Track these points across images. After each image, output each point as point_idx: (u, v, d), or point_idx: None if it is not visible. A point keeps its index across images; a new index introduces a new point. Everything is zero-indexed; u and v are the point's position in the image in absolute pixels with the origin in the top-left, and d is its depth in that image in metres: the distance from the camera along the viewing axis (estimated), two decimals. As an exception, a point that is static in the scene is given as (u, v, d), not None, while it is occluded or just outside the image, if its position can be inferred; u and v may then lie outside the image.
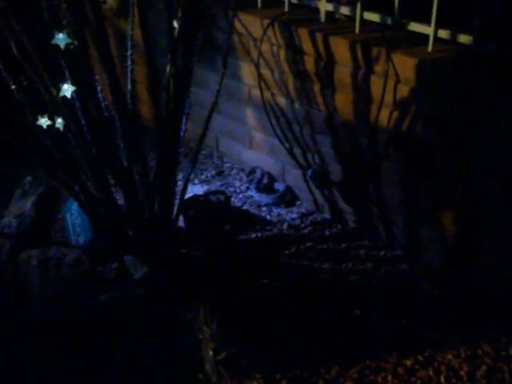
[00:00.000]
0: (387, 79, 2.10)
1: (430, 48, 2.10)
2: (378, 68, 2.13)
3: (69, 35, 1.78)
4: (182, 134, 2.09)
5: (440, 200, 2.16)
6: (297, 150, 2.56)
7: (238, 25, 2.54)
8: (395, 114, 2.15)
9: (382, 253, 2.41)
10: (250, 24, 2.48)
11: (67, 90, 1.86)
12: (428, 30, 2.10)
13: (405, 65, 2.05)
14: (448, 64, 2.01)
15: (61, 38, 1.78)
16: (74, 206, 2.36)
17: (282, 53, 2.42)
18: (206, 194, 2.47)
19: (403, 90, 2.10)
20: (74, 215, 2.42)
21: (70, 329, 2.02)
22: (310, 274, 2.33)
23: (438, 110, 2.07)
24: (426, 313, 2.15)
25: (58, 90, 1.86)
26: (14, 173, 2.70)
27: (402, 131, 2.14)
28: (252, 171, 2.74)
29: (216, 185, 2.77)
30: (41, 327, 2.04)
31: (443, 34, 2.10)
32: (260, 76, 2.49)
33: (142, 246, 2.16)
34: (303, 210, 2.63)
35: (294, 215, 2.59)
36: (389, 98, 2.14)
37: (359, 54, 2.17)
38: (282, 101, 2.52)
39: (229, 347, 1.87)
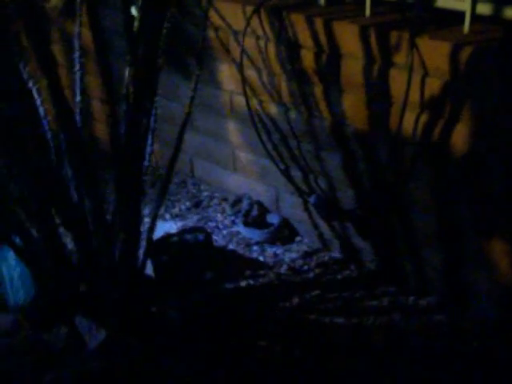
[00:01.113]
0: (412, 73, 1.89)
1: (466, 29, 1.88)
2: (399, 59, 1.92)
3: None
4: (147, 157, 1.94)
5: (489, 231, 1.96)
6: (295, 172, 2.38)
7: (214, 16, 2.35)
8: (424, 119, 1.96)
9: (412, 300, 2.18)
10: (229, 13, 2.31)
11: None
12: (463, 5, 1.89)
13: (435, 52, 1.85)
14: (495, 48, 1.77)
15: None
16: (11, 254, 2.15)
17: (272, 48, 2.23)
18: (181, 233, 2.29)
19: (433, 86, 1.89)
20: (11, 266, 2.22)
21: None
22: (319, 332, 2.09)
23: (483, 112, 1.84)
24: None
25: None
26: None
27: (433, 141, 1.95)
28: (238, 201, 2.58)
29: (193, 220, 2.59)
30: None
31: (483, 9, 1.87)
32: (244, 79, 2.31)
33: (98, 304, 1.97)
34: (305, 248, 2.44)
35: (294, 255, 2.40)
36: (414, 97, 1.93)
37: (373, 43, 1.96)
38: (273, 109, 2.34)
39: None
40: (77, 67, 1.89)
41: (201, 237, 2.26)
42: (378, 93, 2.02)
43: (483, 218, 1.96)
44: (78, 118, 1.86)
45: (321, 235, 2.41)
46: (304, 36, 2.11)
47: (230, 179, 2.66)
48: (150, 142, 1.96)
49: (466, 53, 1.81)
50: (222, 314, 2.12)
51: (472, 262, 2.03)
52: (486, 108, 1.83)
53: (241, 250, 2.43)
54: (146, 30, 1.73)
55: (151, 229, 2.05)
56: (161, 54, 1.81)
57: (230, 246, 2.45)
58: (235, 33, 2.32)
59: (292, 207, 2.45)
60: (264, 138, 2.38)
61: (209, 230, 2.43)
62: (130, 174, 1.87)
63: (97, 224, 1.89)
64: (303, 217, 2.43)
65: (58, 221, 1.87)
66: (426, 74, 1.90)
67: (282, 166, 2.40)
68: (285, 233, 2.46)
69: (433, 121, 1.94)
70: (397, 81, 1.96)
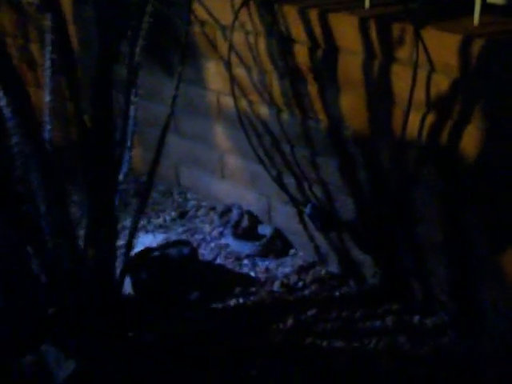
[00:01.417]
0: (417, 69, 1.82)
1: (476, 20, 1.79)
2: (403, 53, 1.85)
3: None
4: (126, 163, 1.87)
5: (504, 243, 1.90)
6: (288, 179, 2.30)
7: (199, 9, 2.27)
8: (430, 120, 1.88)
9: (418, 319, 2.10)
10: (215, 7, 2.24)
11: None
12: (472, -7, 1.79)
13: (442, 45, 1.77)
14: (509, 41, 1.69)
15: None
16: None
17: (262, 43, 2.16)
18: (164, 247, 2.23)
19: (441, 83, 1.81)
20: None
21: None
22: (316, 358, 1.99)
23: (496, 111, 1.77)
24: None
25: None
26: None
27: (441, 145, 1.88)
28: (226, 210, 2.52)
29: (177, 232, 2.52)
30: None
31: (496, -3, 1.76)
32: (233, 78, 2.26)
33: (67, 330, 1.88)
34: (300, 262, 2.36)
35: (288, 269, 2.32)
36: (420, 95, 1.85)
37: (373, 36, 1.88)
38: (264, 111, 2.28)
39: None
40: (46, 64, 1.80)
41: (186, 251, 2.22)
42: (379, 91, 1.96)
43: (497, 229, 1.89)
44: (47, 119, 1.80)
45: (317, 248, 2.34)
46: (297, 30, 2.04)
47: (219, 187, 2.60)
48: (128, 145, 1.89)
49: (477, 46, 1.71)
50: (209, 337, 2.04)
51: (486, 276, 1.96)
52: (499, 107, 1.76)
53: (230, 264, 2.36)
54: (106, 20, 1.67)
55: (129, 243, 1.99)
56: (140, 50, 1.76)
57: (218, 261, 2.38)
58: (223, 27, 2.25)
59: (285, 217, 2.39)
60: (254, 142, 2.33)
61: (195, 243, 2.40)
62: (104, 182, 1.79)
63: (64, 238, 1.80)
64: (298, 228, 2.36)
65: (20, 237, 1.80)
66: (432, 70, 1.82)
67: (275, 173, 2.34)
68: (278, 245, 2.41)
69: (440, 122, 1.87)
70: (400, 78, 1.89)
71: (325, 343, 2.02)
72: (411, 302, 2.13)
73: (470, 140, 1.82)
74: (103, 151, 1.77)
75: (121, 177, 1.89)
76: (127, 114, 1.85)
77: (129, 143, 1.89)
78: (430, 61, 1.82)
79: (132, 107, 1.85)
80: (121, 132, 1.84)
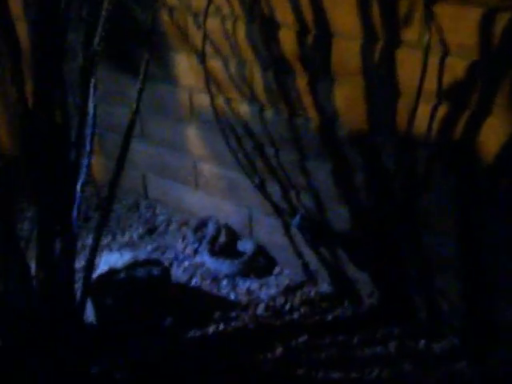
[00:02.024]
0: (427, 52, 1.62)
1: None
2: (410, 34, 1.65)
3: None
4: (85, 170, 1.69)
5: None
6: (272, 188, 2.14)
7: None
8: (442, 112, 1.67)
9: (424, 343, 1.90)
10: None
11: None
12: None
13: (459, 23, 1.56)
14: None
15: None
16: None
17: (242, 30, 1.98)
18: (130, 267, 2.04)
19: (456, 68, 1.61)
20: None
21: None
22: None
23: None
24: None
25: None
26: None
27: (455, 141, 1.69)
28: (201, 225, 2.36)
29: (146, 250, 2.34)
30: None
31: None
32: (207, 72, 2.08)
33: (17, 363, 1.68)
34: (286, 282, 2.17)
35: (273, 290, 2.13)
36: (430, 84, 1.65)
37: (374, 16, 1.69)
38: (244, 109, 2.10)
39: None
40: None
41: (156, 271, 2.04)
42: (380, 81, 1.77)
43: None
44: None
45: (305, 265, 2.17)
46: (283, 11, 1.88)
47: (192, 199, 2.45)
48: (88, 148, 1.70)
49: (501, 22, 1.50)
50: (185, 371, 1.84)
51: (504, 295, 1.79)
52: None
53: (207, 286, 2.19)
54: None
55: (90, 263, 1.79)
56: (99, 40, 1.56)
57: (194, 282, 2.21)
58: (195, 14, 2.07)
59: (269, 231, 2.23)
60: (233, 145, 2.16)
61: (166, 263, 2.23)
62: (53, 190, 1.56)
63: (8, 258, 1.57)
64: (283, 243, 2.19)
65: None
66: (446, 54, 1.62)
67: (257, 181, 2.18)
68: (260, 263, 2.24)
69: (455, 114, 1.66)
70: (406, 64, 1.69)
71: (320, 374, 1.82)
72: (415, 324, 1.96)
73: (491, 134, 1.62)
74: (54, 153, 1.55)
75: (78, 186, 1.69)
76: (84, 111, 1.63)
77: (88, 147, 1.70)
78: (442, 42, 1.61)
79: (91, 104, 1.65)
80: (77, 132, 1.62)
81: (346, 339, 1.92)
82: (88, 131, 1.66)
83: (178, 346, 1.93)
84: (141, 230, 2.46)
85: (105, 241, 2.31)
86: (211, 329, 1.97)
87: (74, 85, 1.58)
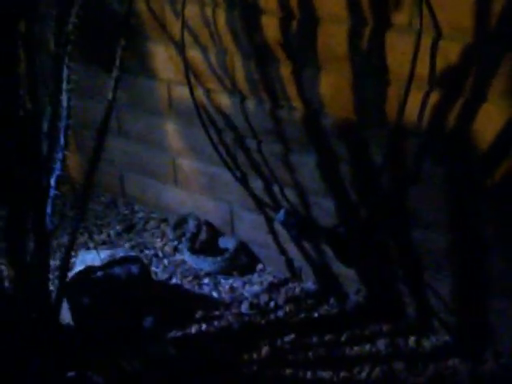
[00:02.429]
0: (419, 36, 1.56)
1: None
2: (400, 17, 1.59)
3: None
4: (59, 164, 1.62)
5: None
6: (254, 182, 2.08)
7: None
8: (435, 100, 1.61)
9: (414, 340, 1.84)
10: None
11: None
12: None
13: (453, 3, 1.50)
14: None
15: None
16: None
17: (222, 17, 1.93)
18: (108, 265, 1.98)
19: (450, 52, 1.55)
20: None
21: None
22: None
23: None
24: None
25: None
26: None
27: (448, 130, 1.62)
28: (181, 222, 2.33)
29: (124, 248, 2.29)
30: None
31: None
32: (187, 63, 2.00)
33: None
34: (270, 279, 2.12)
35: (257, 288, 2.08)
36: (422, 69, 1.59)
37: None
38: (225, 101, 2.05)
39: None
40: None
41: (135, 269, 1.98)
42: (369, 68, 1.71)
43: None
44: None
45: (289, 262, 2.11)
46: None
47: (171, 195, 2.39)
48: (62, 143, 1.62)
49: (498, 1, 1.43)
50: (166, 373, 1.76)
51: (496, 290, 1.73)
52: None
53: (188, 284, 2.13)
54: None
55: (66, 261, 1.73)
56: (73, 28, 1.49)
57: (174, 280, 2.16)
58: (172, 1, 2.01)
59: (251, 227, 2.18)
60: (213, 139, 2.09)
61: (145, 261, 2.17)
62: (24, 184, 1.47)
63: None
64: (266, 239, 2.13)
65: None
66: (439, 37, 1.56)
67: (238, 175, 2.11)
68: (243, 260, 2.20)
69: (448, 101, 1.60)
70: (397, 49, 1.63)
71: (308, 374, 1.76)
72: (404, 321, 1.91)
73: (487, 122, 1.55)
74: (25, 145, 1.46)
75: (52, 181, 1.61)
76: (56, 101, 1.55)
77: (62, 140, 1.62)
78: (435, 25, 1.54)
79: (64, 95, 1.58)
80: (49, 124, 1.54)
81: (334, 337, 1.86)
82: (62, 124, 1.59)
83: (158, 347, 1.85)
84: (118, 228, 2.41)
85: (81, 239, 2.24)
86: (193, 328, 1.91)
87: (47, 76, 1.51)
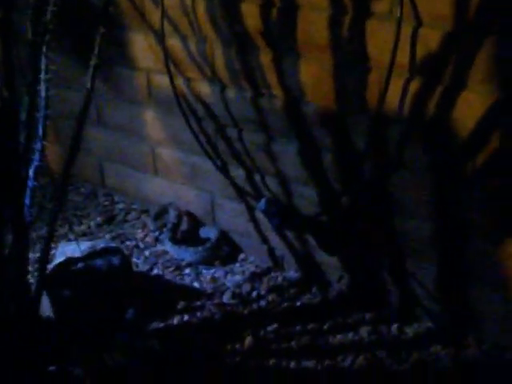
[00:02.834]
0: (399, 24, 1.54)
1: None
2: (381, 5, 1.58)
3: None
4: (38, 154, 1.61)
5: (505, 238, 1.63)
6: (235, 171, 2.07)
7: None
8: (416, 87, 1.60)
9: (396, 328, 1.84)
10: None
11: None
12: None
13: None
14: None
15: None
16: None
17: (201, 5, 1.91)
18: (89, 256, 1.96)
19: (430, 40, 1.54)
20: None
21: None
22: (284, 381, 1.71)
23: (504, 72, 1.48)
24: None
25: None
26: None
27: (429, 117, 1.61)
28: (161, 212, 2.31)
29: (104, 239, 2.28)
30: None
31: None
32: (166, 52, 1.98)
33: None
34: (252, 268, 2.11)
35: (239, 277, 2.07)
36: (403, 57, 1.58)
37: None
38: (205, 89, 2.02)
39: None
40: None
41: (116, 260, 1.96)
42: (349, 56, 1.70)
43: (496, 220, 1.64)
44: None
45: (271, 251, 2.10)
46: None
47: (151, 185, 2.37)
48: (40, 135, 1.61)
49: None
50: (149, 365, 1.74)
51: (482, 276, 1.72)
52: (504, 65, 1.47)
53: (169, 274, 2.11)
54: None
55: (45, 252, 1.70)
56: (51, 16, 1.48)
57: (155, 271, 2.13)
58: None
59: (232, 217, 2.16)
60: (194, 128, 2.06)
61: (126, 252, 2.15)
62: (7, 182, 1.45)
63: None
64: (248, 228, 2.12)
65: None
66: (419, 25, 1.55)
67: (219, 163, 2.08)
68: (224, 250, 2.19)
69: (428, 89, 1.59)
70: (378, 37, 1.62)
71: (292, 364, 1.73)
72: (387, 309, 1.90)
73: (467, 109, 1.55)
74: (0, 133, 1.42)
75: (31, 172, 1.60)
76: (34, 90, 1.52)
77: (40, 130, 1.60)
78: (415, 13, 1.54)
79: (43, 85, 1.56)
80: (27, 114, 1.51)
81: (317, 326, 1.85)
82: (40, 114, 1.57)
83: (140, 339, 1.83)
84: (98, 219, 2.39)
85: (61, 231, 2.23)
86: (175, 319, 1.89)
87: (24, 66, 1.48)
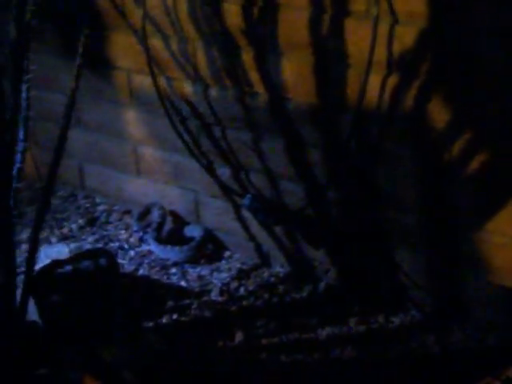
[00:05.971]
0: (376, 22, 1.69)
1: None
2: (358, 4, 1.72)
3: None
4: (20, 155, 1.69)
5: (486, 225, 1.76)
6: (220, 169, 2.16)
7: None
8: (393, 82, 1.75)
9: (384, 318, 1.97)
10: None
11: None
12: None
13: None
14: None
15: None
16: None
17: (183, 5, 2.01)
18: (75, 258, 1.99)
19: (406, 37, 1.68)
20: None
21: None
22: (277, 375, 1.82)
23: (478, 66, 1.64)
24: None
25: None
26: None
27: (407, 111, 1.75)
28: (145, 212, 2.37)
29: (88, 241, 2.35)
30: None
31: None
32: (148, 51, 2.06)
33: None
34: (238, 265, 2.21)
35: (225, 275, 2.17)
36: (380, 54, 1.72)
37: None
38: (188, 88, 2.12)
39: None
40: None
41: (103, 262, 1.99)
42: (330, 54, 1.83)
43: (480, 209, 1.78)
44: None
45: (257, 247, 2.19)
46: None
47: (133, 186, 2.44)
48: (22, 138, 1.69)
49: None
50: (140, 366, 1.83)
51: (465, 263, 1.86)
52: (481, 61, 1.63)
53: (155, 274, 2.19)
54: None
55: (31, 255, 1.75)
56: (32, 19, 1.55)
57: (141, 271, 2.21)
58: None
59: (217, 215, 2.24)
60: (177, 127, 2.15)
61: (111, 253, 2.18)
62: None
63: None
64: (233, 226, 2.21)
65: None
66: (395, 23, 1.70)
67: (203, 161, 2.17)
68: (209, 248, 2.27)
69: (406, 84, 1.74)
70: (356, 35, 1.76)
71: (283, 358, 1.84)
72: (375, 299, 2.01)
73: (443, 102, 1.69)
74: None
75: (14, 171, 1.67)
76: (17, 91, 1.59)
77: (21, 131, 1.67)
78: (391, 11, 1.68)
79: (24, 85, 1.63)
80: (11, 114, 1.59)
81: (306, 320, 1.96)
82: (21, 115, 1.63)
83: (130, 341, 1.92)
84: (80, 222, 2.45)
85: (42, 234, 2.23)
86: (164, 319, 1.98)
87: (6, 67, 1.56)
